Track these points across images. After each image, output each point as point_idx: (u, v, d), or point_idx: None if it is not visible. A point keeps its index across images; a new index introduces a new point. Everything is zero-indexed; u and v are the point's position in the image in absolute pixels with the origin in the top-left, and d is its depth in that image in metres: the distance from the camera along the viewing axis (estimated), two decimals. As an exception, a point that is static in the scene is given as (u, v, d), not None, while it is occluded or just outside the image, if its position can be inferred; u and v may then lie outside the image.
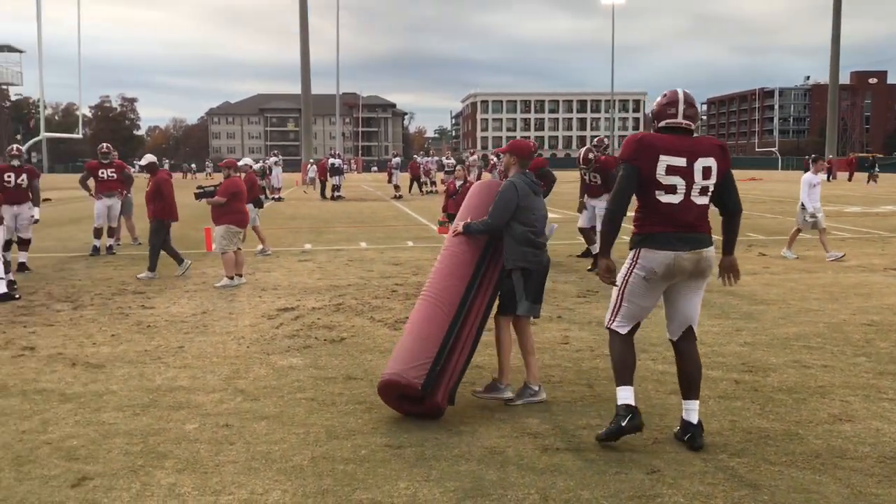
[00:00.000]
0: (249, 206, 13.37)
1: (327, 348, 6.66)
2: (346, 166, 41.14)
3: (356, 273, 11.07)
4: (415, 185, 35.09)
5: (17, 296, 9.04)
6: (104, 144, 14.02)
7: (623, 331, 4.35)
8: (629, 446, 4.30)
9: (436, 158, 39.45)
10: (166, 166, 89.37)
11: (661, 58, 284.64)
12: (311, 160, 37.14)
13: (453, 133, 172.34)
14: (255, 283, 10.18)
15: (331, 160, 32.76)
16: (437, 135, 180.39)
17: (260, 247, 13.34)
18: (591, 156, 11.42)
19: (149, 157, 11.33)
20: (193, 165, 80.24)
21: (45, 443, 4.45)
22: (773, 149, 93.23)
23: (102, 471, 4.03)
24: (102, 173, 13.42)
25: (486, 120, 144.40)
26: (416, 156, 41.17)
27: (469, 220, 5.07)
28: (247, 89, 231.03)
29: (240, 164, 11.86)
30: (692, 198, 4.18)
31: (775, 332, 7.08)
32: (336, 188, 31.31)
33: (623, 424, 4.18)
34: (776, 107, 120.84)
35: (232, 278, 10.02)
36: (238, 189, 10.26)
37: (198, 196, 10.34)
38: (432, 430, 4.61)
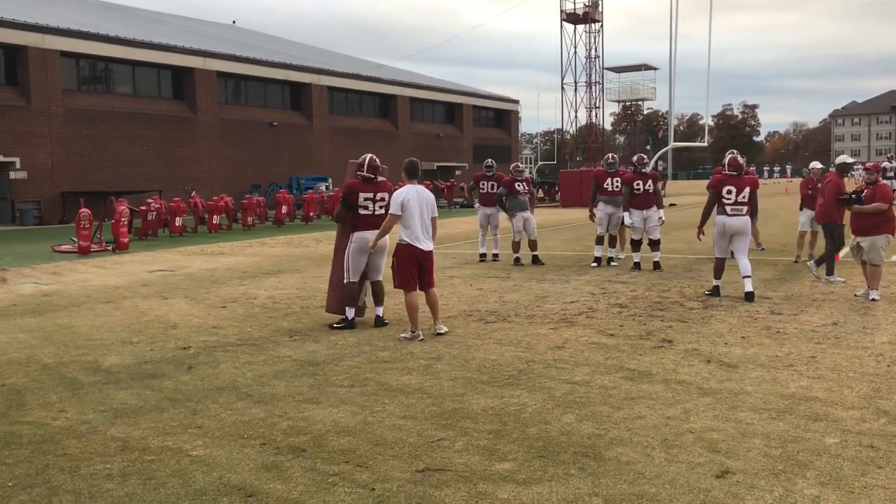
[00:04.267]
0: (805, 212, 12.67)
1: None
2: None
3: None
4: None
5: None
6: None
7: None
8: None
9: None
10: (788, 171, 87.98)
11: None
12: None
13: None
14: (891, 298, 9.31)
15: None
16: None
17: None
18: None
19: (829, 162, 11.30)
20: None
21: (688, 431, 4.79)
22: None
23: (744, 468, 4.16)
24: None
25: None
26: None
27: None
28: (879, 86, 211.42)
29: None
30: None
31: None
32: None
33: None
34: None
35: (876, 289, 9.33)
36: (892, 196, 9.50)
37: (841, 202, 9.80)
38: None
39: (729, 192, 9.55)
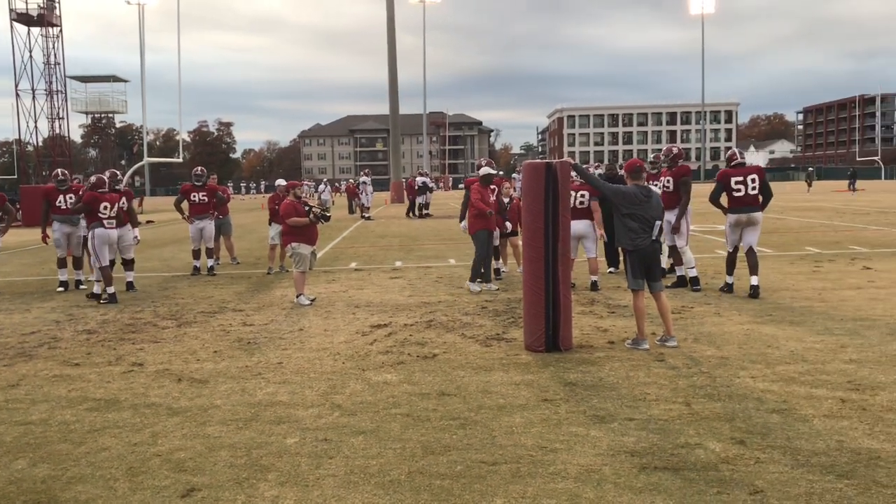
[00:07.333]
0: (273, 226, 13.60)
1: (420, 364, 6.74)
2: (433, 184, 41.51)
3: (446, 290, 11.16)
4: None
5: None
6: (198, 168, 14.55)
7: None
8: (731, 466, 4.19)
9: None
10: (262, 187, 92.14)
11: (762, 66, 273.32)
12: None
13: (539, 149, 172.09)
14: (348, 300, 10.39)
15: (419, 178, 33.18)
16: (523, 151, 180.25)
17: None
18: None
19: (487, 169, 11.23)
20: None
21: (155, 455, 4.66)
22: (875, 158, 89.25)
23: (209, 482, 4.20)
24: (195, 196, 13.94)
25: (573, 135, 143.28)
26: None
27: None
28: (338, 111, 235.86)
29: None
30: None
31: (883, 348, 6.77)
32: (424, 206, 31.70)
33: None
34: (878, 114, 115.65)
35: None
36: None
37: (314, 221, 10.25)
38: (527, 447, 4.61)
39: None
